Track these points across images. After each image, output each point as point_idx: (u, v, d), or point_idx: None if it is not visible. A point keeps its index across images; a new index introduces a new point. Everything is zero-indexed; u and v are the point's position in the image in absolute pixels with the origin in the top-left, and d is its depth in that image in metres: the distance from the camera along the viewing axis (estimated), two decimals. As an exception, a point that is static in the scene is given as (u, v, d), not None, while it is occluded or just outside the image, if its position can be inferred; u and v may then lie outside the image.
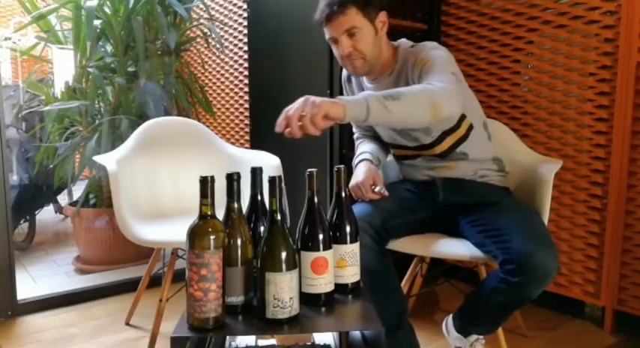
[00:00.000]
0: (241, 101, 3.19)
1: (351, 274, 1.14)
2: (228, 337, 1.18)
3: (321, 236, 1.06)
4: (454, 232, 1.55)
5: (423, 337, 1.51)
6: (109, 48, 2.75)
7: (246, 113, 3.02)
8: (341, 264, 1.13)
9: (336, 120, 1.13)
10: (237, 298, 1.01)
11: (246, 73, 3.00)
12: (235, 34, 3.15)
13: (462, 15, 2.35)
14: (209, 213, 0.98)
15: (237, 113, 3.25)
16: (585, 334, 1.96)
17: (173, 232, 1.73)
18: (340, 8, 1.40)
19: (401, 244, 1.52)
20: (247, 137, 3.04)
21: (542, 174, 1.58)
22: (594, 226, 1.98)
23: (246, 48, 2.91)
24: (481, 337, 1.46)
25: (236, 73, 3.21)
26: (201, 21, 3.17)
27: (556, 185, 2.04)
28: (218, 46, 3.10)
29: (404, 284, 1.86)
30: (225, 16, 3.22)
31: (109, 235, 2.67)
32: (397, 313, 1.43)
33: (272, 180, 1.01)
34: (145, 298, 2.09)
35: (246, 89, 2.97)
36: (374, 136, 1.72)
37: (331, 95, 2.09)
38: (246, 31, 2.93)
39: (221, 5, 3.24)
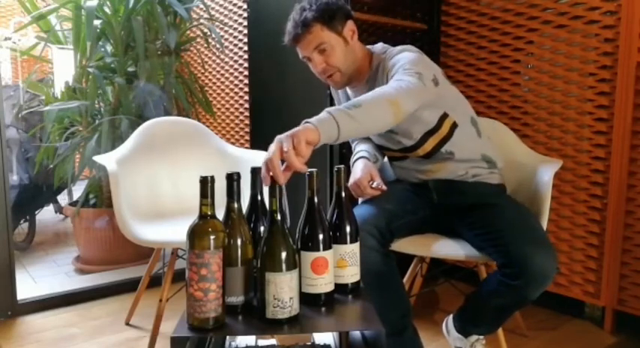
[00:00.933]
0: (241, 101, 3.19)
1: (351, 274, 1.14)
2: (228, 337, 1.18)
3: (321, 236, 1.06)
4: (453, 233, 1.55)
5: (424, 337, 1.51)
6: (109, 48, 2.75)
7: (246, 113, 3.02)
8: (341, 264, 1.12)
9: (313, 144, 1.07)
10: (237, 298, 1.01)
11: (246, 73, 3.00)
12: (235, 34, 3.15)
13: (462, 15, 2.35)
14: (209, 213, 0.98)
15: (237, 113, 3.25)
16: (585, 334, 1.96)
17: (173, 232, 1.73)
18: (304, 28, 1.42)
19: (401, 245, 1.52)
20: (247, 137, 3.04)
21: (542, 174, 1.58)
22: (594, 226, 1.98)
23: (246, 48, 2.91)
24: (481, 337, 1.46)
25: (236, 73, 3.21)
26: (201, 21, 3.17)
27: (556, 185, 2.04)
28: (218, 46, 3.10)
29: (404, 284, 1.86)
30: (225, 16, 3.22)
31: (109, 235, 2.67)
32: (402, 315, 1.44)
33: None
34: (145, 298, 2.09)
35: (246, 89, 2.97)
36: (368, 137, 1.72)
37: (331, 95, 2.09)
38: (246, 31, 2.93)
39: (221, 5, 3.24)
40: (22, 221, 3.21)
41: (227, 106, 3.34)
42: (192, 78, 2.96)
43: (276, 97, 2.47)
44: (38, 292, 2.26)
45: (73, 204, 2.83)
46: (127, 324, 2.04)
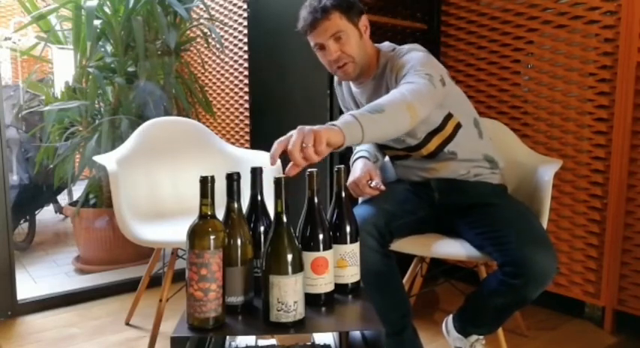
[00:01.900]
0: (241, 101, 3.19)
1: (351, 274, 1.14)
2: (228, 337, 1.18)
3: (321, 236, 1.06)
4: (453, 233, 1.55)
5: (424, 337, 1.51)
6: (109, 48, 2.75)
7: (246, 113, 3.02)
8: (341, 264, 1.13)
9: (335, 146, 1.08)
10: (237, 298, 1.01)
11: (246, 73, 3.00)
12: (235, 34, 3.15)
13: (462, 15, 2.35)
14: (209, 213, 0.98)
15: (237, 113, 3.25)
16: (585, 334, 1.96)
17: (173, 232, 1.73)
18: (324, 14, 1.41)
19: (401, 245, 1.52)
20: (247, 137, 3.04)
21: (542, 174, 1.58)
22: (594, 226, 1.98)
23: (246, 48, 2.91)
24: (481, 337, 1.46)
25: (236, 73, 3.21)
26: (201, 21, 3.17)
27: (556, 185, 2.04)
28: (218, 46, 3.10)
29: (404, 284, 1.86)
30: (225, 16, 3.22)
31: (109, 235, 2.67)
32: (402, 315, 1.44)
33: (277, 181, 0.99)
34: (145, 298, 2.09)
35: (246, 89, 2.97)
36: None
37: (331, 95, 2.09)
38: (246, 31, 2.93)
39: (221, 5, 3.24)
40: (22, 221, 3.21)
41: (227, 106, 3.34)
42: (192, 78, 2.96)
43: (276, 97, 2.46)
44: (38, 292, 2.26)
45: (73, 204, 2.83)
46: (127, 324, 2.04)
